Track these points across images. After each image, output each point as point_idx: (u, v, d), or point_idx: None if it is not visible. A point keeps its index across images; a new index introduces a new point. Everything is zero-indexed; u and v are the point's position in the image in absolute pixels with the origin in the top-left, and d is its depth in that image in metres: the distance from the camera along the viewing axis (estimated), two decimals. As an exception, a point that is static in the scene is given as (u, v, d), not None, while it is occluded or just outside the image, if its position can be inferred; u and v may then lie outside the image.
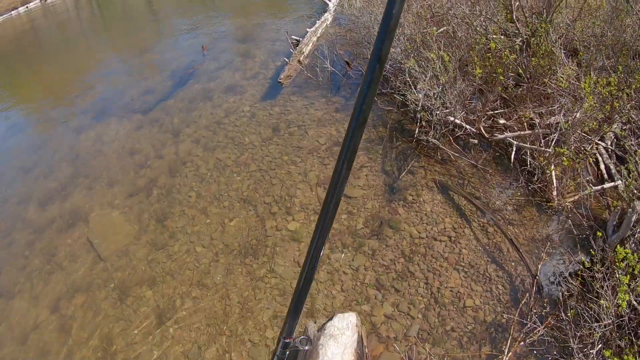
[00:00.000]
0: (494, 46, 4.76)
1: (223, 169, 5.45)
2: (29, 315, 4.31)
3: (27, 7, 19.15)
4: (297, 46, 7.54)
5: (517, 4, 4.90)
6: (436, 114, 4.81)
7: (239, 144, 5.80)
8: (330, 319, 3.34)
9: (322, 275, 4.04)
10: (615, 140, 4.43)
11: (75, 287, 4.45)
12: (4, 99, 9.66)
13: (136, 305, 4.15)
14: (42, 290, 4.52)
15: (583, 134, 4.24)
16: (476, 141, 4.84)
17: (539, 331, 3.26)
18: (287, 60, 7.17)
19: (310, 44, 7.55)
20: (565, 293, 3.41)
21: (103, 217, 5.21)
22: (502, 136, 4.63)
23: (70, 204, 5.53)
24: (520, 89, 4.92)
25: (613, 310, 2.97)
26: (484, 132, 4.78)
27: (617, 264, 3.05)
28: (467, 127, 4.84)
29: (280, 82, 6.72)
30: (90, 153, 6.44)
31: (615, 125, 4.34)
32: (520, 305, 3.49)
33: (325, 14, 8.87)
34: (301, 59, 7.11)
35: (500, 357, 3.21)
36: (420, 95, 4.90)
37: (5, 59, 11.77)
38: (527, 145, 4.35)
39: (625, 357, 2.72)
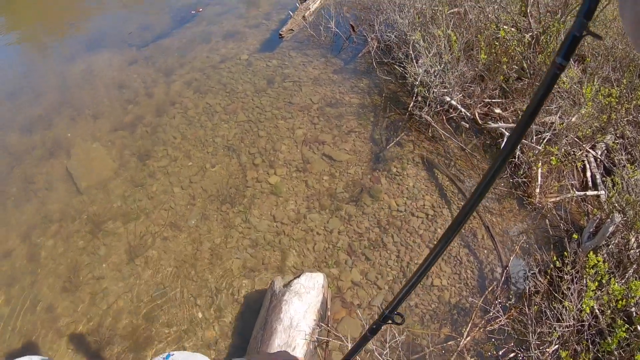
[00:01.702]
0: (503, 34, 4.69)
1: (212, 114, 5.36)
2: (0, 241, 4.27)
3: None
4: (305, 1, 7.37)
5: (533, -1, 4.83)
6: (433, 92, 4.76)
7: (231, 91, 5.69)
8: (298, 276, 3.35)
9: (297, 232, 4.04)
10: (605, 151, 4.44)
11: (49, 217, 4.40)
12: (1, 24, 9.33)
13: (107, 240, 4.12)
14: (15, 217, 4.46)
15: (575, 138, 4.24)
16: (467, 125, 4.82)
17: (500, 321, 3.31)
18: (291, 14, 7.00)
19: (318, 2, 7.37)
20: (532, 289, 3.45)
21: (85, 149, 5.12)
22: (495, 125, 4.61)
23: (53, 133, 5.41)
24: (521, 83, 4.89)
25: (575, 314, 3.02)
26: (477, 118, 4.76)
27: (587, 269, 3.08)
28: (462, 110, 4.81)
29: (281, 35, 6.57)
30: (79, 83, 6.28)
31: (608, 137, 4.35)
32: (486, 292, 3.53)
33: (338, -25, 8.64)
34: (306, 15, 6.95)
35: (458, 339, 3.26)
36: (421, 70, 4.84)
37: None
38: (519, 138, 4.33)
39: (581, 360, 2.78)
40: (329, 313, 3.41)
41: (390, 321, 1.08)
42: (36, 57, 7.41)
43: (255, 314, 3.43)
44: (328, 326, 3.30)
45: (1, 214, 4.52)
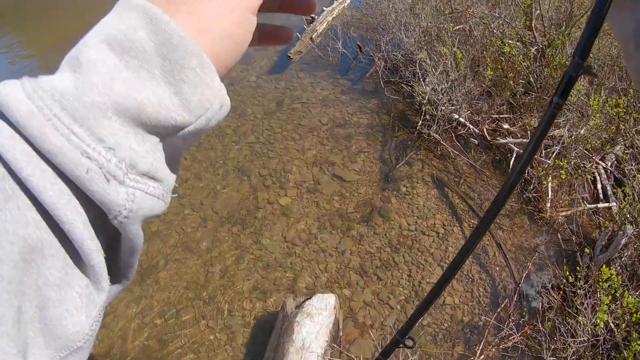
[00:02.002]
0: (508, 50, 4.73)
1: (222, 136, 5.41)
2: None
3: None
4: (312, 23, 7.45)
5: (537, 12, 4.85)
6: (441, 110, 4.79)
7: (240, 114, 5.74)
8: (310, 297, 3.35)
9: (308, 253, 4.05)
10: (615, 162, 4.43)
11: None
12: (14, 50, 9.35)
13: (119, 260, 4.13)
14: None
15: (585, 150, 4.24)
16: (477, 142, 4.83)
17: (514, 338, 3.28)
18: (299, 35, 7.09)
19: (325, 23, 7.47)
20: (545, 305, 3.43)
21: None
22: (504, 141, 4.62)
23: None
24: (529, 97, 4.90)
25: (590, 328, 3.00)
26: (486, 134, 4.77)
27: (601, 283, 3.07)
28: (471, 127, 4.83)
29: (289, 57, 6.65)
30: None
31: (617, 148, 4.34)
32: (499, 310, 3.50)
33: (344, -5, 8.75)
34: (314, 36, 7.03)
35: (471, 358, 3.24)
36: (428, 89, 4.87)
37: (21, 9, 11.43)
38: (528, 153, 4.33)
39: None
40: (341, 334, 3.40)
41: (401, 345, 1.11)
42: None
43: (267, 336, 3.42)
44: (340, 347, 3.29)
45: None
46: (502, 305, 3.54)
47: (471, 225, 4.16)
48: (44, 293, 0.35)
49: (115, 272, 0.42)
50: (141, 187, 0.36)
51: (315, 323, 3.16)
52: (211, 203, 4.58)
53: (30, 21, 10.50)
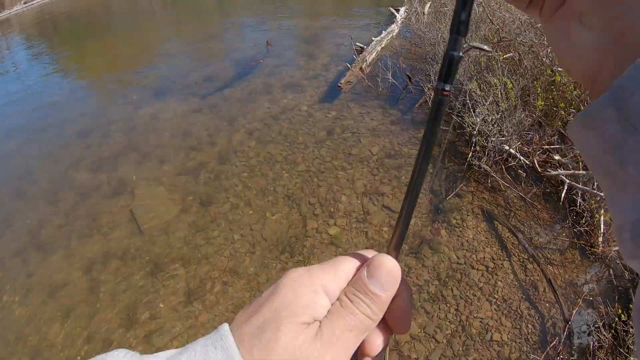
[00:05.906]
0: (558, 79, 4.67)
1: (273, 163, 5.53)
2: (62, 272, 4.48)
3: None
4: (361, 53, 7.57)
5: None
6: (492, 141, 4.75)
7: (291, 142, 5.87)
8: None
9: (355, 283, 4.04)
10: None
11: (110, 254, 4.59)
12: (70, 68, 10.03)
13: (167, 281, 4.25)
14: (78, 251, 4.70)
15: (638, 179, 4.11)
16: (524, 174, 4.75)
17: (563, 379, 3.20)
18: (349, 66, 7.21)
19: (374, 53, 7.58)
20: (596, 344, 3.31)
21: (149, 192, 5.36)
22: (555, 172, 4.53)
23: (119, 174, 5.72)
24: (580, 127, 4.80)
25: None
26: (537, 165, 4.69)
27: (654, 321, 2.97)
28: (521, 158, 4.76)
29: (340, 87, 6.76)
30: (145, 128, 6.65)
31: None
32: (548, 348, 3.40)
33: (392, 25, 8.88)
34: (363, 66, 7.14)
35: (520, 398, 3.17)
36: (478, 119, 4.85)
37: (76, 30, 12.20)
38: (580, 186, 4.24)
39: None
40: (387, 367, 3.37)
41: None
42: (106, 101, 7.94)
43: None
44: (388, 381, 3.27)
45: (65, 246, 4.77)
46: (552, 343, 3.43)
47: (521, 260, 4.08)
48: None
49: None
50: None
51: (362, 355, 3.14)
52: (260, 229, 4.65)
53: (84, 42, 11.07)
